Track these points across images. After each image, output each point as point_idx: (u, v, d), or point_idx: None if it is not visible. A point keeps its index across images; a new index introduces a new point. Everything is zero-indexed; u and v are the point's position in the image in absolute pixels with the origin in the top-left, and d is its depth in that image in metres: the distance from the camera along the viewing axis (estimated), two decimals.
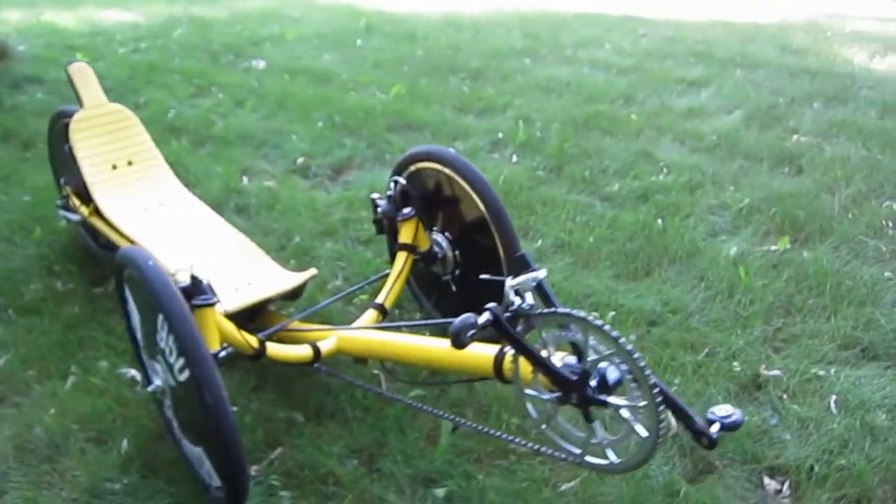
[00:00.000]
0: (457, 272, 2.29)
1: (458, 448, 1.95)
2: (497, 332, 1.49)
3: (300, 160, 3.77)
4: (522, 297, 1.51)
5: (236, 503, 1.66)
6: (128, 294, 1.85)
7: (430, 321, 2.32)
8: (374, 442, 1.99)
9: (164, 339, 1.61)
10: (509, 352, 1.61)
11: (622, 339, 1.36)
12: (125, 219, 2.50)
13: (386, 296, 2.20)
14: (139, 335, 1.88)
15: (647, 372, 1.36)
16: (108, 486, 1.87)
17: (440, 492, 1.81)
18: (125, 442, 2.00)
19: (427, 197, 2.27)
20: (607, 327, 1.38)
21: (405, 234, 2.27)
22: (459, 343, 1.45)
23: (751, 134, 3.87)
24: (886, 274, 2.66)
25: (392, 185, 2.29)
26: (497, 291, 2.17)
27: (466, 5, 7.39)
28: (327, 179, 3.61)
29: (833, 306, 2.47)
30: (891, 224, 2.97)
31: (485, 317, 1.47)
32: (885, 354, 2.28)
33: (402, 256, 2.26)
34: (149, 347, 1.78)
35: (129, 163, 2.69)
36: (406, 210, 2.26)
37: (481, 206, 2.13)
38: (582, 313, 1.41)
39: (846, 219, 3.02)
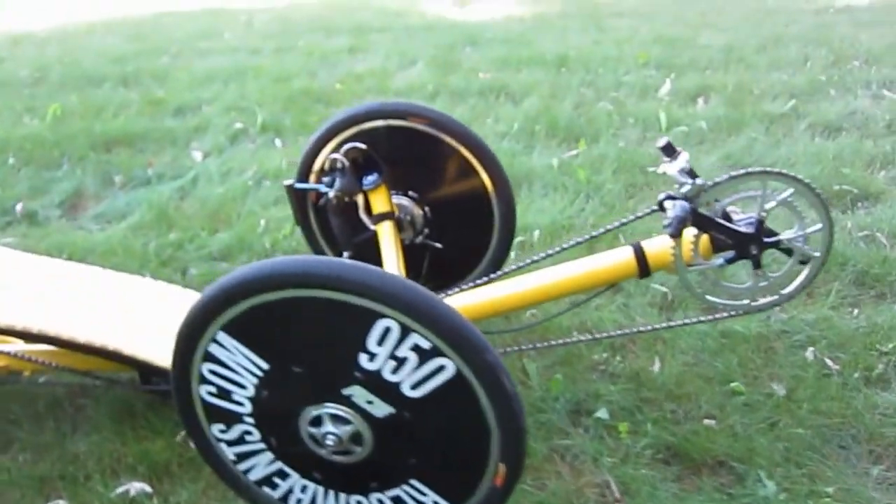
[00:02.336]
0: (426, 230, 2.16)
1: (568, 378, 1.91)
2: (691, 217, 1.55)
3: (18, 207, 2.90)
4: (691, 177, 1.57)
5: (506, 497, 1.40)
6: (226, 346, 1.33)
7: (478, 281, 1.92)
8: None
9: (386, 356, 1.25)
10: (650, 242, 1.67)
11: (800, 176, 1.57)
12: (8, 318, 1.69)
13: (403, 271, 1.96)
14: (245, 396, 1.37)
15: (824, 197, 1.59)
16: None
17: (602, 413, 1.78)
18: None
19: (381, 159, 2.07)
20: (785, 171, 1.57)
21: (379, 203, 2.04)
22: (680, 231, 1.50)
23: (444, 79, 4.20)
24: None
25: (341, 157, 2.01)
26: (486, 224, 2.14)
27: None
28: (73, 220, 2.87)
29: None
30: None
31: (681, 206, 1.52)
32: None
33: (386, 226, 2.02)
34: (308, 391, 1.33)
35: None
36: (371, 177, 2.03)
37: (457, 145, 2.05)
38: (757, 168, 1.57)
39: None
